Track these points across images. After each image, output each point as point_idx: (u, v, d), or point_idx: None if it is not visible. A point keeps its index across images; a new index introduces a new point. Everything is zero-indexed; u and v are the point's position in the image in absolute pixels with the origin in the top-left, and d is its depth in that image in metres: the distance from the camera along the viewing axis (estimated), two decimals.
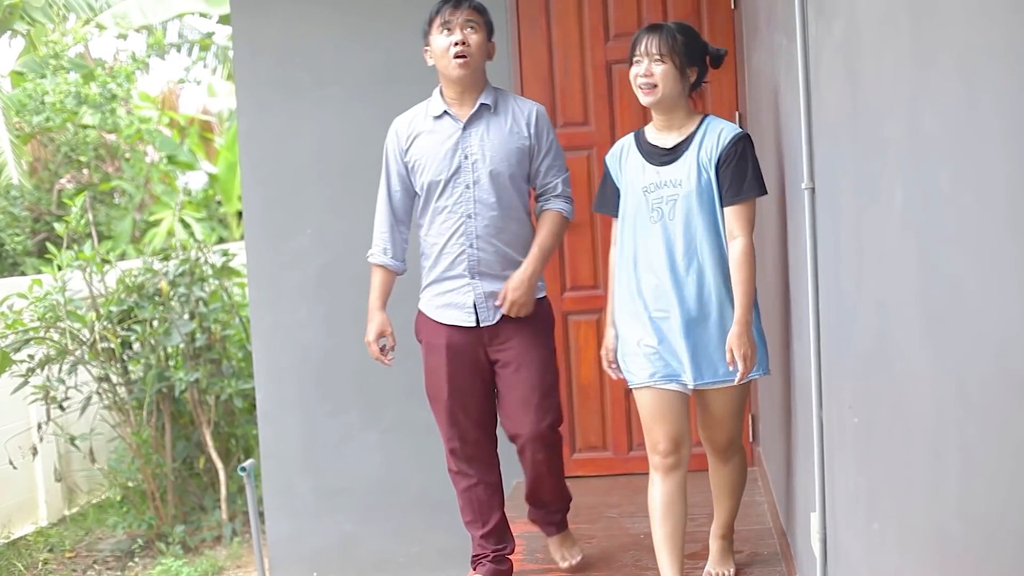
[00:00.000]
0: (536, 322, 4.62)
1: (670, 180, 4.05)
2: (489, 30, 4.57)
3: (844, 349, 2.95)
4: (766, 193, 4.00)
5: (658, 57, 4.00)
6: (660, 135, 4.13)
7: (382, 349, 4.63)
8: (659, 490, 4.13)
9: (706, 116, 4.09)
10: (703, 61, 4.10)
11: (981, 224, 1.68)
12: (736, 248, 3.94)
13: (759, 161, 4.00)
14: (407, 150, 4.58)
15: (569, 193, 4.71)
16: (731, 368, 3.98)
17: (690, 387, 4.07)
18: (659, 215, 4.06)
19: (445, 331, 4.59)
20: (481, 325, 4.56)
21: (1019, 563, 1.58)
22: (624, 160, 4.22)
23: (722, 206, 3.99)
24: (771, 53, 4.41)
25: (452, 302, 4.57)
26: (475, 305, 4.54)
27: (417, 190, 4.60)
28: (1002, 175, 1.57)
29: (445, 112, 4.54)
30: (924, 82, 2.00)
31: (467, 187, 4.49)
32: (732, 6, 6.02)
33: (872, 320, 2.55)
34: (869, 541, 2.69)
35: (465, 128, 4.52)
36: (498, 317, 4.56)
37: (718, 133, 4.01)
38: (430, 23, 4.50)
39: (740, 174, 3.95)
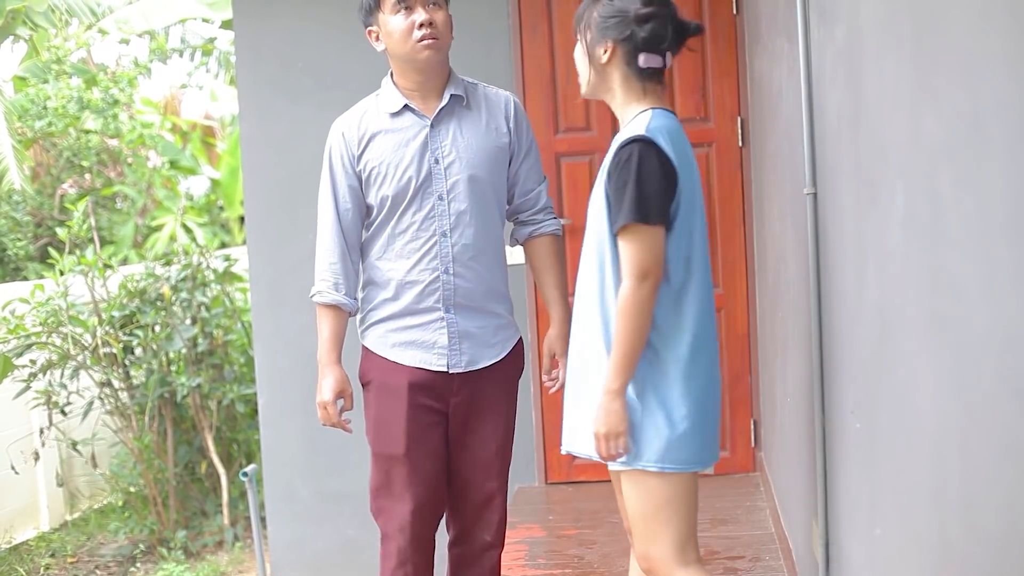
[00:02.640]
0: (511, 368, 3.91)
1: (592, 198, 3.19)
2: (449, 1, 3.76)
3: (846, 354, 2.94)
4: (648, 222, 2.94)
5: (575, 36, 3.19)
6: None
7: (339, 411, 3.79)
8: None
9: (643, 111, 3.09)
10: (621, 24, 3.07)
11: (982, 229, 1.68)
12: (618, 294, 3.00)
13: (656, 177, 2.97)
14: (360, 156, 3.73)
15: (551, 204, 3.98)
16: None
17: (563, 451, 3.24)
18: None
19: (406, 370, 3.76)
20: (452, 371, 3.76)
21: (1022, 568, 1.58)
22: None
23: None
24: (773, 58, 4.41)
25: (415, 340, 3.76)
26: (448, 346, 3.75)
27: (372, 204, 3.77)
28: (1004, 180, 1.57)
29: (406, 107, 3.73)
30: (925, 87, 2.00)
31: (440, 198, 3.70)
32: (734, 11, 6.02)
33: (874, 325, 2.54)
34: (871, 546, 2.69)
35: (433, 125, 3.73)
36: (474, 367, 3.80)
37: (615, 140, 3.08)
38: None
39: (617, 196, 2.98)
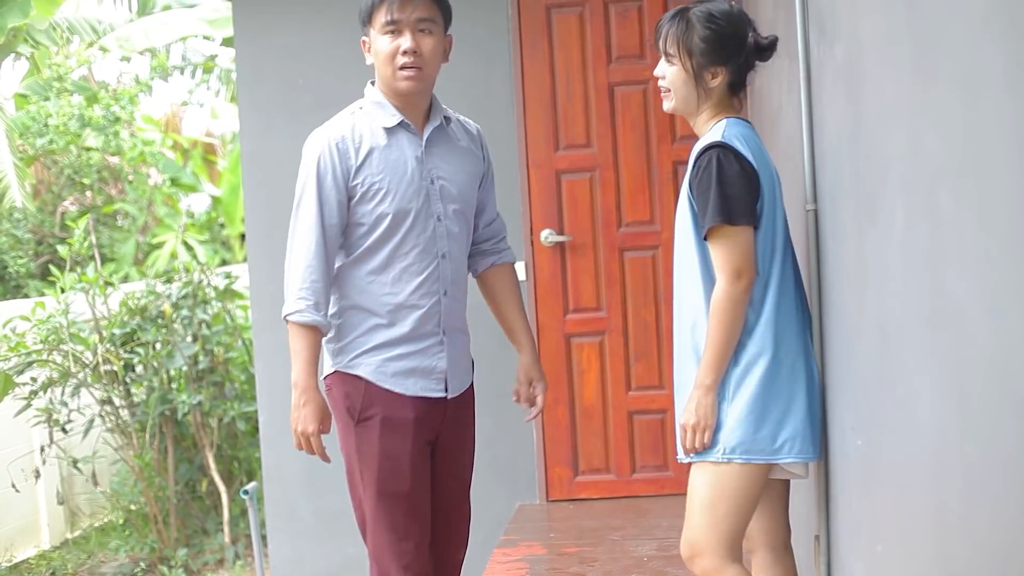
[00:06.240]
0: (471, 387, 3.87)
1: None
2: (447, 22, 3.68)
3: (846, 371, 2.94)
4: (733, 222, 3.06)
5: (668, 55, 3.20)
6: None
7: None
8: None
9: (720, 121, 3.21)
10: (738, 52, 3.18)
11: (982, 245, 1.67)
12: (712, 294, 3.11)
13: (738, 179, 3.09)
14: (359, 169, 3.57)
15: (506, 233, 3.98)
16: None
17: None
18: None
19: (411, 402, 3.62)
20: (449, 396, 3.69)
21: None
22: None
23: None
24: (773, 75, 4.41)
25: (416, 367, 3.63)
26: (447, 371, 3.67)
27: (362, 223, 3.61)
28: (1003, 196, 1.57)
29: (402, 123, 3.63)
30: (925, 103, 2.00)
31: (438, 219, 3.63)
32: None
33: (874, 341, 2.54)
34: (872, 564, 2.68)
35: (426, 146, 3.66)
36: (461, 391, 3.74)
37: (693, 150, 3.20)
38: (371, 13, 3.59)
39: (702, 200, 3.08)
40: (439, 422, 3.68)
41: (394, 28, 3.55)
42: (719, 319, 3.07)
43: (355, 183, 3.58)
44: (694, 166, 3.12)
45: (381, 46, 3.58)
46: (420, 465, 3.64)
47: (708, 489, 3.16)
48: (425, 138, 3.66)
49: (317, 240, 3.58)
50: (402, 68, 3.56)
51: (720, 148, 3.10)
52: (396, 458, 3.60)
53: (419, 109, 3.68)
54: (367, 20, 3.61)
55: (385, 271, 3.62)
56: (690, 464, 3.25)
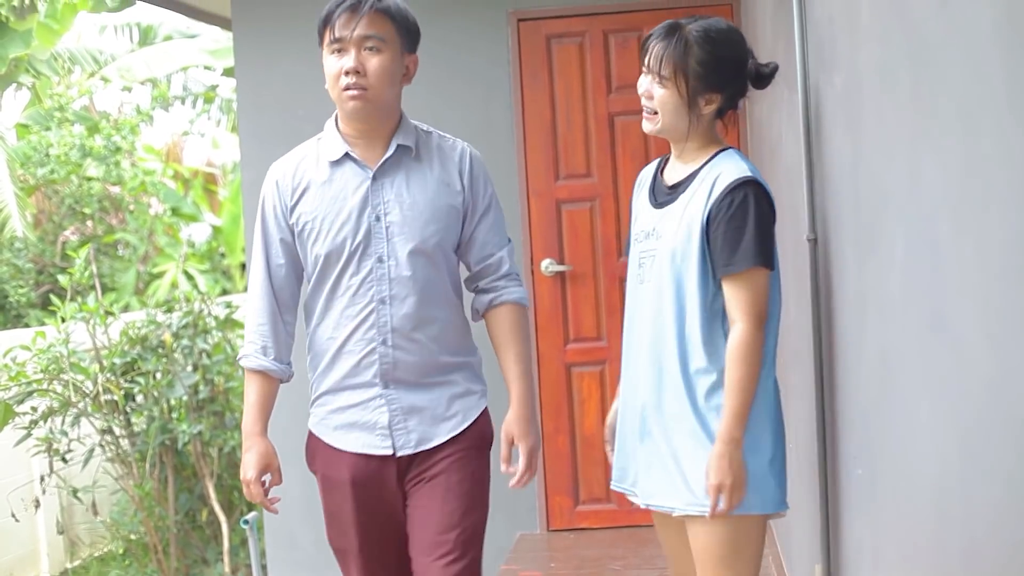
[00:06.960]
0: (470, 440, 3.40)
1: (656, 229, 3.03)
2: (407, 40, 3.34)
3: (847, 399, 2.94)
4: (769, 267, 2.91)
5: (661, 77, 2.98)
6: (674, 165, 3.12)
7: (265, 487, 3.46)
8: None
9: (722, 150, 3.01)
10: (736, 79, 3.01)
11: (982, 274, 1.68)
12: (731, 338, 2.89)
13: (769, 220, 2.94)
14: (293, 207, 3.34)
15: (518, 270, 3.51)
16: (707, 497, 2.91)
17: (641, 506, 3.12)
18: (641, 275, 3.07)
19: (348, 461, 3.38)
20: (399, 454, 3.34)
21: None
22: (638, 192, 3.22)
23: (715, 277, 2.93)
24: (773, 104, 4.42)
25: (356, 421, 3.36)
26: (390, 426, 3.33)
27: (306, 263, 3.39)
28: (1003, 225, 1.57)
29: (347, 155, 3.33)
30: (924, 132, 2.00)
31: (379, 260, 3.28)
32: None
33: (875, 371, 2.54)
34: None
35: (376, 178, 3.31)
36: (426, 445, 3.34)
37: (715, 178, 2.93)
38: (320, 32, 3.30)
39: (733, 237, 2.86)
40: (394, 480, 3.36)
41: (339, 47, 3.25)
42: (745, 367, 2.87)
43: (292, 222, 3.37)
44: (724, 200, 2.89)
45: (328, 67, 3.29)
46: (373, 525, 3.40)
47: (730, 544, 2.97)
48: (375, 170, 3.32)
49: (263, 282, 3.40)
50: (346, 89, 3.25)
51: (755, 185, 2.90)
52: (339, 517, 3.44)
53: (377, 137, 3.35)
54: (319, 40, 3.33)
55: (327, 315, 3.38)
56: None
